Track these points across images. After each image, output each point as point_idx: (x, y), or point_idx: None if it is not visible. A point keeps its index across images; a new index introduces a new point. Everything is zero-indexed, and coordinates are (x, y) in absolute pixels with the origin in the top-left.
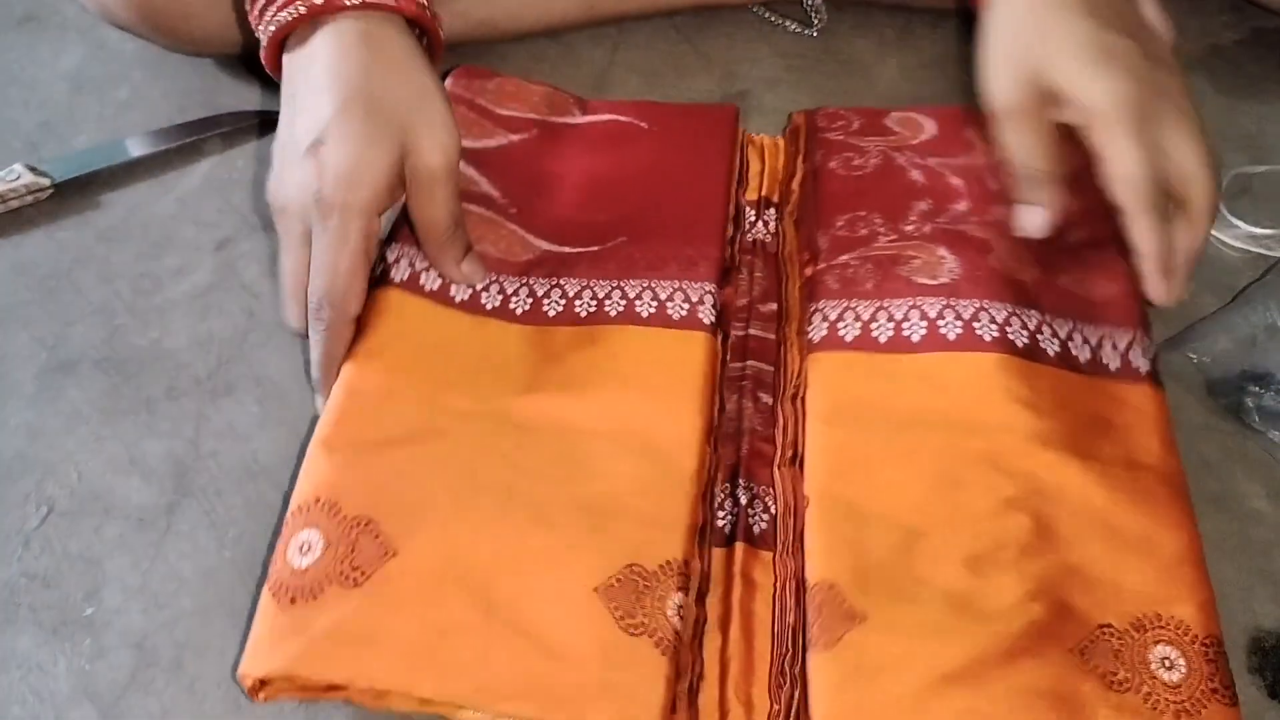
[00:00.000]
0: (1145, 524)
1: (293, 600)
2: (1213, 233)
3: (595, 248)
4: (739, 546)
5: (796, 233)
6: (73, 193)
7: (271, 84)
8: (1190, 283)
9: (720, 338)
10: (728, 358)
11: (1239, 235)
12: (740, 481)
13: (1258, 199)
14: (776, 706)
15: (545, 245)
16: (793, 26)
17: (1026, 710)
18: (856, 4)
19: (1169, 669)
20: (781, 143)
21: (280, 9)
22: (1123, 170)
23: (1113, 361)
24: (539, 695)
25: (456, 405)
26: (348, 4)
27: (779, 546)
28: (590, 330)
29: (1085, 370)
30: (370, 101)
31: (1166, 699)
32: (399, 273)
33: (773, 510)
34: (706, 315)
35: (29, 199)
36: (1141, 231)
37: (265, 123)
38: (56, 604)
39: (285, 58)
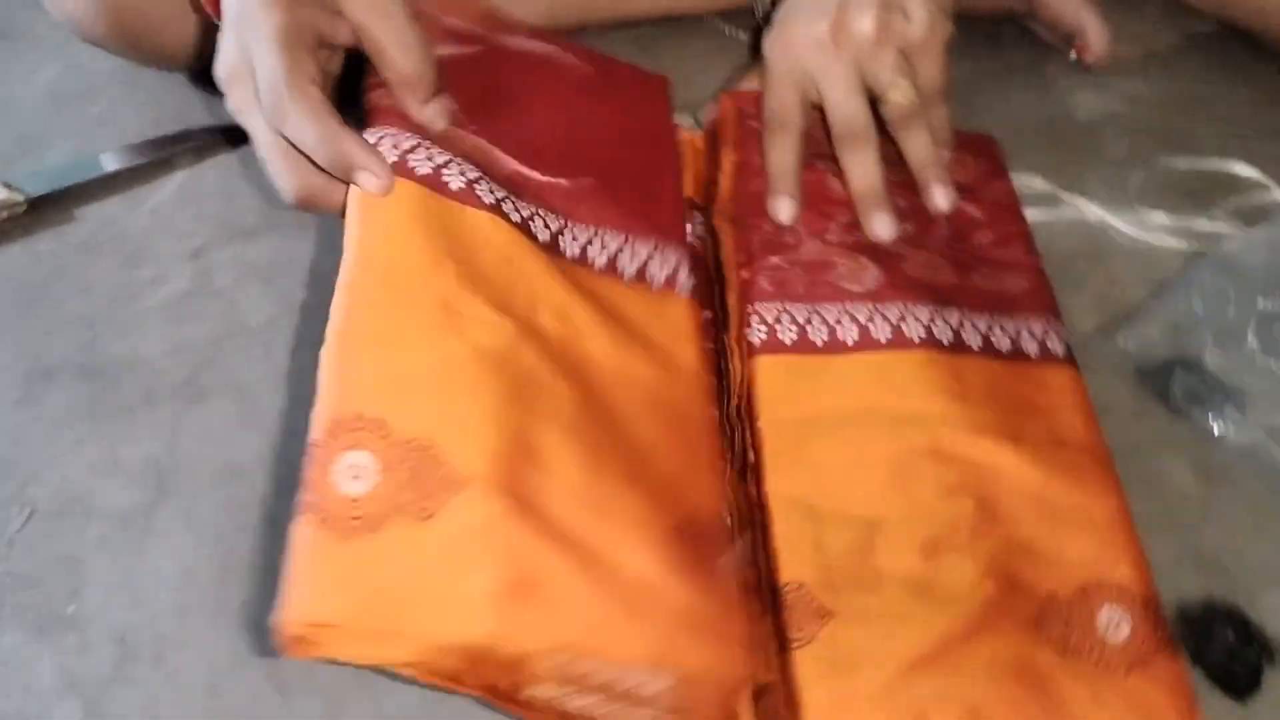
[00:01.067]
0: (1078, 496)
1: (350, 533)
2: (1134, 226)
3: (564, 180)
4: None
5: (733, 230)
6: (48, 207)
7: None
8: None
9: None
10: None
11: (1162, 228)
12: None
13: (1180, 193)
14: (755, 711)
15: (513, 164)
16: (746, 38)
17: (994, 684)
18: None
19: (1116, 629)
20: (700, 143)
21: None
22: None
23: (1031, 348)
24: (638, 640)
25: (478, 310)
26: None
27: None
28: (584, 275)
29: (1008, 358)
30: None
31: (1116, 657)
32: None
33: (727, 523)
34: (684, 288)
35: (4, 214)
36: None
37: (236, 137)
38: (40, 603)
39: None
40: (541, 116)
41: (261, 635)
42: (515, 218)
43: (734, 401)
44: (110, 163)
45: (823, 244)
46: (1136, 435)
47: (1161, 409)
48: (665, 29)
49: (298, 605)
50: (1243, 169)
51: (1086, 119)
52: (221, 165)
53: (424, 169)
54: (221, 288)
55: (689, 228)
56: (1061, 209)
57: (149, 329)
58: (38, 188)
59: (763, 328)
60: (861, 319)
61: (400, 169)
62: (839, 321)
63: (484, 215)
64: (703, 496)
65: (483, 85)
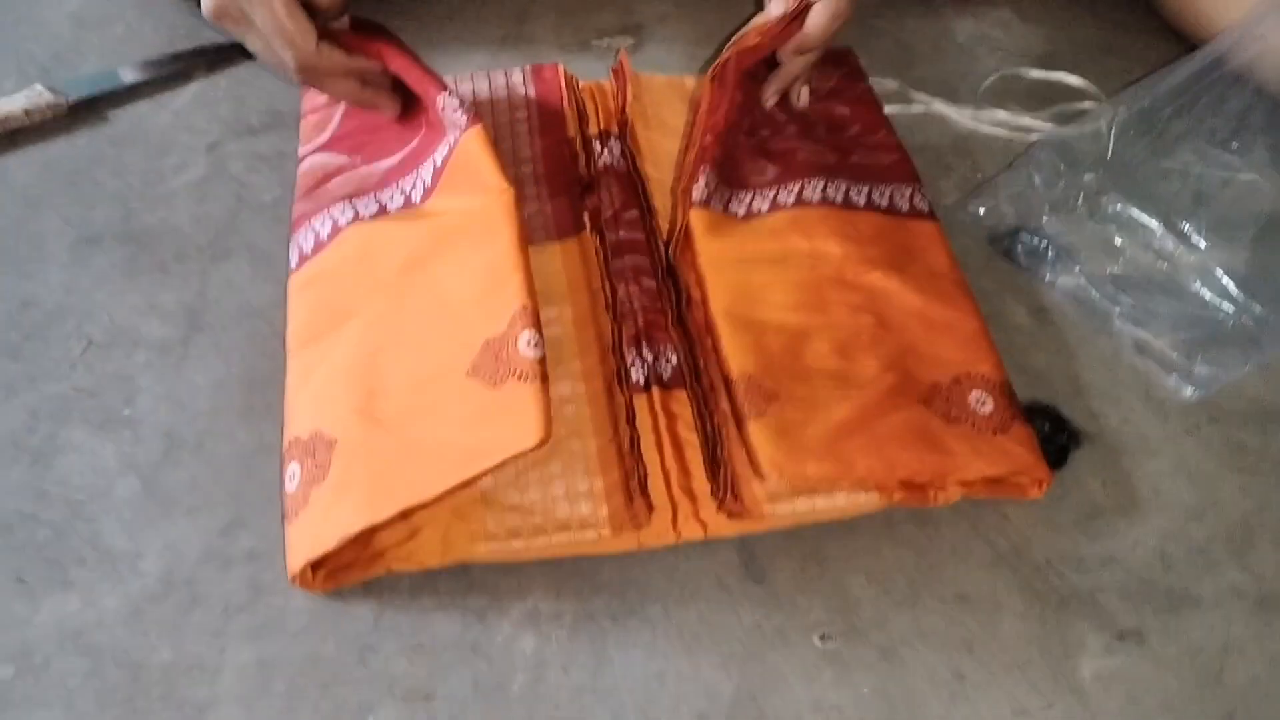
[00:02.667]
0: (948, 313)
1: (296, 514)
2: (993, 125)
3: (397, 157)
4: (655, 390)
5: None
6: (85, 110)
7: None
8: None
9: (596, 235)
10: (608, 254)
11: (1015, 126)
12: (644, 345)
13: (1031, 98)
14: (714, 484)
15: (383, 166)
16: None
17: (899, 440)
18: None
19: (983, 405)
20: (608, 85)
21: None
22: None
23: (903, 205)
24: (459, 465)
25: (339, 330)
26: None
27: (688, 380)
28: (426, 205)
29: (887, 212)
30: None
31: (985, 424)
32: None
33: (673, 360)
34: (460, 128)
35: (49, 114)
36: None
37: (243, 53)
38: (101, 409)
39: None
40: (395, 130)
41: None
42: (369, 211)
43: (661, 271)
44: (129, 75)
45: (742, 145)
46: (984, 283)
47: (1006, 264)
48: None
49: (290, 566)
50: (1078, 81)
51: (964, 40)
52: (231, 76)
53: (309, 245)
54: (235, 173)
55: (608, 152)
56: (937, 112)
57: (176, 205)
58: (77, 92)
59: (705, 189)
60: (769, 195)
61: (301, 261)
62: (752, 200)
63: (348, 231)
64: (501, 305)
65: (364, 125)
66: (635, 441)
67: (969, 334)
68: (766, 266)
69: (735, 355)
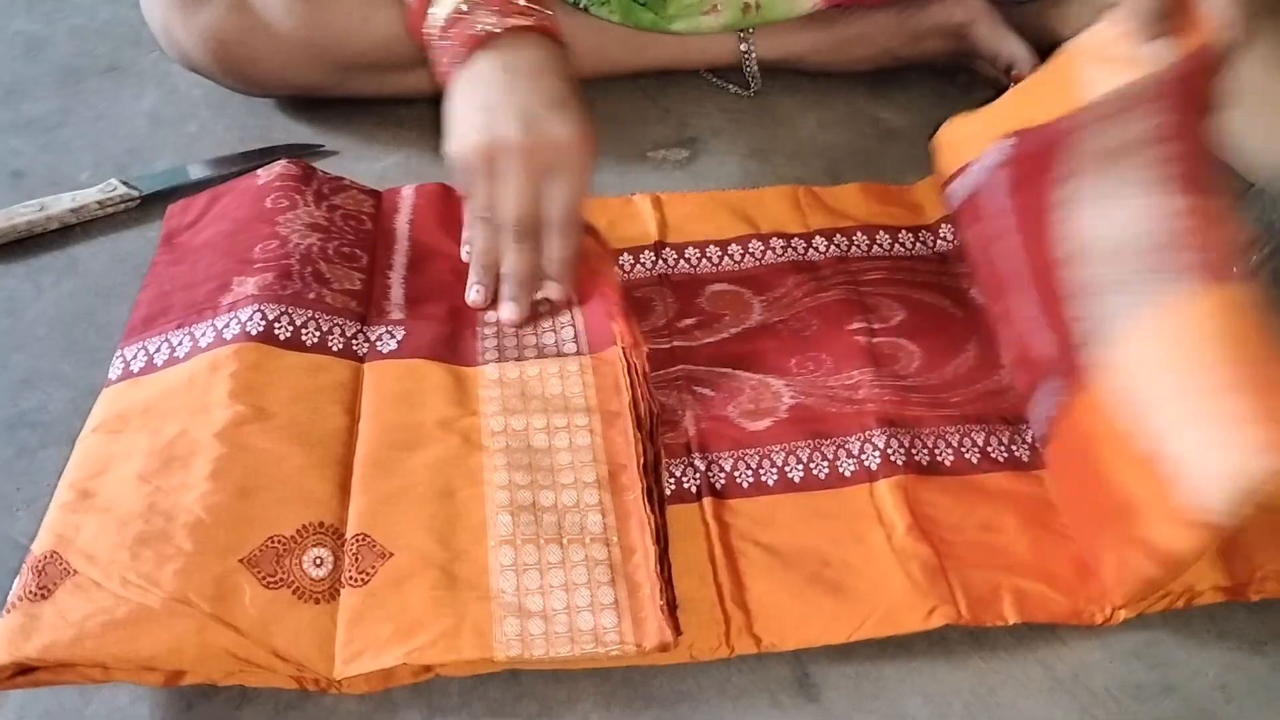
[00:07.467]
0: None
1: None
2: None
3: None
4: (707, 500)
5: None
6: (156, 203)
7: (315, 122)
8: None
9: (633, 351)
10: (645, 369)
11: None
12: (696, 453)
13: None
14: None
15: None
16: (733, 88)
17: None
18: (785, 71)
19: None
20: (662, 196)
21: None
22: None
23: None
24: (221, 658)
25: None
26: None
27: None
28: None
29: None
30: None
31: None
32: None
33: (727, 468)
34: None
35: (123, 206)
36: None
37: (310, 152)
38: None
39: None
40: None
41: None
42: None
43: None
44: (197, 171)
45: None
46: None
47: None
48: (667, 80)
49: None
50: None
51: None
52: None
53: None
54: None
55: (661, 262)
56: None
57: None
58: (149, 186)
59: None
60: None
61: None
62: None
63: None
64: (296, 512)
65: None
66: (663, 562)
67: None
68: None
69: None
